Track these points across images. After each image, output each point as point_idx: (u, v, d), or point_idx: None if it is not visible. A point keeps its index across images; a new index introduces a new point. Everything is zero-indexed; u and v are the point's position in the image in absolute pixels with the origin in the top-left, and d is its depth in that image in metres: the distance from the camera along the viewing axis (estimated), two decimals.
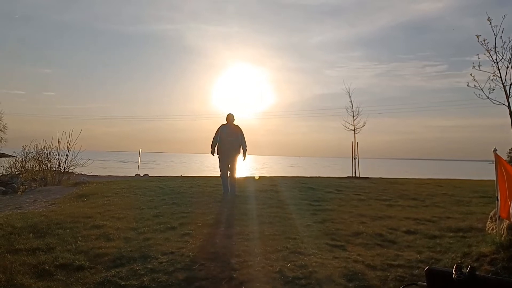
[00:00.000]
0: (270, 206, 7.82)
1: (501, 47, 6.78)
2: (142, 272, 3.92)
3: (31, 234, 5.35)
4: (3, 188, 12.88)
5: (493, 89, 6.99)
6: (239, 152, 9.47)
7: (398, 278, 3.88)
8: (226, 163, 9.34)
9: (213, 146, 9.46)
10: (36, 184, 13.33)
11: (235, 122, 9.67)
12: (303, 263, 4.23)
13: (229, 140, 9.37)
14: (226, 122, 9.59)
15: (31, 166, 15.75)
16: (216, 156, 9.47)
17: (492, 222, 5.62)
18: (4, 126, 61.45)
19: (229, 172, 9.39)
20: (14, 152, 20.12)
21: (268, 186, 10.78)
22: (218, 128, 9.56)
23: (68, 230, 5.58)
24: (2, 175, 16.91)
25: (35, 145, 15.56)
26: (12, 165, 16.96)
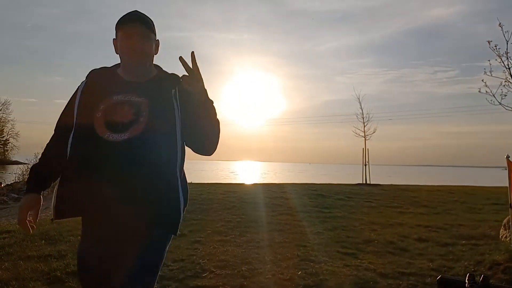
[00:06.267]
0: (280, 213, 7.81)
1: None
2: None
3: (43, 241, 5.39)
4: (16, 195, 13.05)
5: (506, 95, 6.96)
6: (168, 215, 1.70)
7: (410, 286, 3.84)
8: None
9: (32, 177, 1.85)
10: (48, 191, 13.47)
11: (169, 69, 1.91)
12: (314, 271, 4.21)
13: (122, 151, 1.64)
14: (117, 66, 1.88)
15: None
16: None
17: (505, 229, 5.54)
18: (17, 134, 63.11)
19: None
20: (27, 159, 20.38)
21: (278, 193, 10.77)
22: (73, 96, 1.81)
23: (79, 237, 5.61)
24: (15, 182, 17.14)
25: None
26: (25, 172, 17.17)
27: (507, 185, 4.79)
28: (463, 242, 5.58)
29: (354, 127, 19.66)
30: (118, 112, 1.69)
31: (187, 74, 1.73)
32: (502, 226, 5.81)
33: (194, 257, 4.65)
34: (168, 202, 1.69)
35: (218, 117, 1.82)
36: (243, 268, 4.27)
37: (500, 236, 5.67)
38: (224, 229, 6.25)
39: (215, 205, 8.51)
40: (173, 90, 1.77)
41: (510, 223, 4.99)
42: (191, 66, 1.71)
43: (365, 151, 18.82)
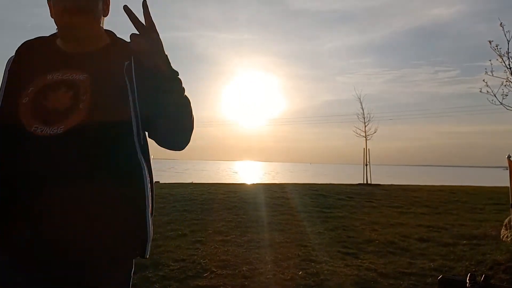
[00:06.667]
0: (281, 213, 7.80)
1: None
2: (154, 279, 3.93)
3: None
4: None
5: (507, 95, 6.96)
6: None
7: (411, 286, 3.84)
8: None
9: None
10: None
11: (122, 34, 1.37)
12: (314, 270, 4.21)
13: (54, 149, 1.12)
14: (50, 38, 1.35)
15: None
16: None
17: (506, 229, 5.54)
18: None
19: None
20: None
21: (279, 193, 10.77)
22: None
23: None
24: None
25: None
26: None
27: (508, 185, 4.79)
28: (464, 242, 5.58)
29: (355, 127, 19.67)
30: (51, 96, 1.20)
31: (138, 33, 1.19)
32: (503, 226, 5.80)
33: (195, 257, 4.65)
34: (126, 222, 1.17)
35: (186, 94, 1.26)
36: (244, 268, 4.27)
37: (501, 236, 5.67)
38: (225, 229, 6.25)
39: (216, 205, 8.52)
40: (126, 62, 1.23)
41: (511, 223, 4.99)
42: (143, 21, 1.18)
43: (366, 151, 18.82)
